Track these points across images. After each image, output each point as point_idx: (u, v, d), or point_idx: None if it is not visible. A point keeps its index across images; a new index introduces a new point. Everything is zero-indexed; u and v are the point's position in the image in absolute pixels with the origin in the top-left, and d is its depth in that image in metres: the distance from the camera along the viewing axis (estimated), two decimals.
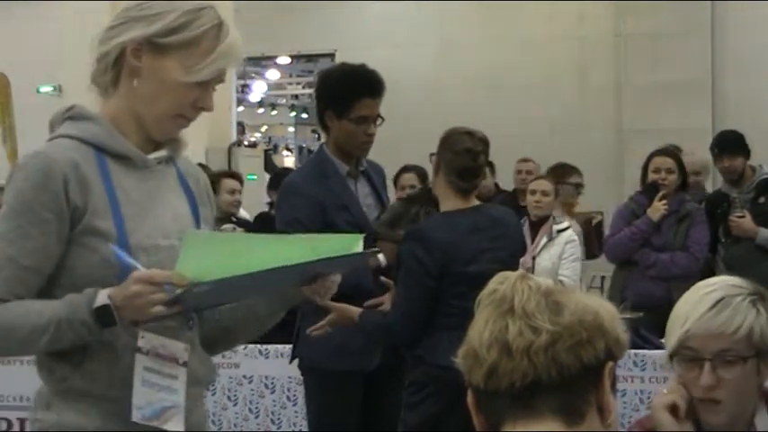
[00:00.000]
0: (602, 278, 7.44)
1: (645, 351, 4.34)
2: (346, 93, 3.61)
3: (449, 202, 3.58)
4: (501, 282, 1.39)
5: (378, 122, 3.66)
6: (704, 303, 1.95)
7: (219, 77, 2.07)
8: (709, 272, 5.55)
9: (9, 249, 1.94)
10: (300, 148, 20.13)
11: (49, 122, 2.11)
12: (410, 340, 3.51)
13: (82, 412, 2.00)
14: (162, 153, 2.12)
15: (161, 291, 1.88)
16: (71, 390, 2.00)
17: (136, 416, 1.96)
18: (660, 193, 5.32)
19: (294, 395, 4.73)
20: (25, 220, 1.94)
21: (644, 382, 4.31)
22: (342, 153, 3.69)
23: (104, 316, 1.88)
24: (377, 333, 3.52)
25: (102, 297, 1.90)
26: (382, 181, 3.89)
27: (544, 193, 5.80)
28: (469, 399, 1.39)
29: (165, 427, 1.99)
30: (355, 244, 2.02)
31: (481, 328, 1.36)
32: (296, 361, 3.83)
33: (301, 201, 3.62)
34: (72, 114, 2.08)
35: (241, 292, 2.05)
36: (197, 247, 1.93)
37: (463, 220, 3.52)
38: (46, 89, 10.82)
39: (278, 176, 7.48)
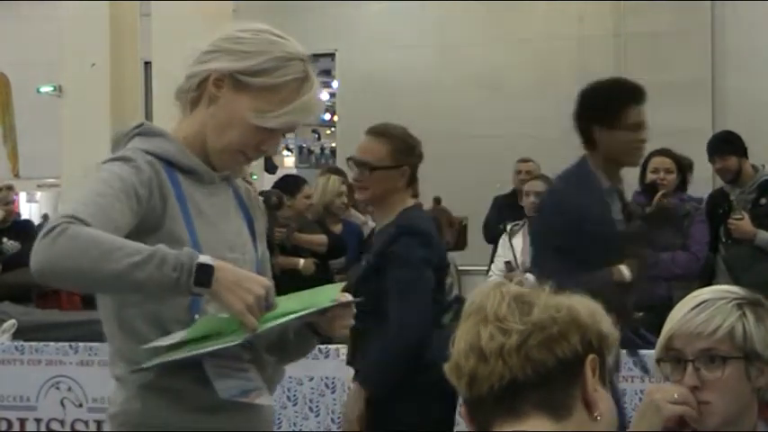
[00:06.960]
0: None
1: (645, 351, 4.33)
2: (615, 102, 3.62)
3: None
4: (477, 295, 1.43)
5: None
6: (688, 305, 1.97)
7: (289, 129, 2.13)
8: (710, 271, 5.56)
9: (99, 198, 1.91)
10: (300, 148, 20.13)
11: (113, 140, 2.15)
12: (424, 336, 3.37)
13: (163, 406, 2.04)
14: (225, 171, 2.17)
15: (262, 304, 1.89)
16: (151, 384, 2.03)
17: (222, 395, 1.98)
18: (659, 193, 5.31)
19: (294, 395, 4.72)
20: (117, 185, 1.94)
21: (644, 382, 4.29)
22: (610, 165, 3.68)
23: (203, 275, 1.85)
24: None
25: (207, 259, 1.87)
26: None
27: (537, 195, 5.83)
28: (461, 410, 1.43)
29: (256, 402, 2.03)
30: (335, 293, 2.11)
31: (460, 340, 1.41)
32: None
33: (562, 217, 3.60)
34: (141, 131, 2.12)
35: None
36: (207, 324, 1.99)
37: None
38: (46, 89, 10.80)
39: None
